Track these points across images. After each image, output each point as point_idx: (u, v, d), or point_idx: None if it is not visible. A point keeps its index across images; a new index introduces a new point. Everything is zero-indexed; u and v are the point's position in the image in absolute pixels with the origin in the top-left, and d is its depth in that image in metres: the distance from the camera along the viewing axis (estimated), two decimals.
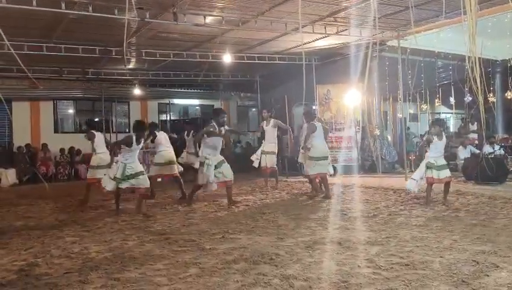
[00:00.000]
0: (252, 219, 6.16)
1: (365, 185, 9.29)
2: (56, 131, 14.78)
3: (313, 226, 5.47)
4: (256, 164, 9.50)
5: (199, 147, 7.65)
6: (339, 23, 9.59)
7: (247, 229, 5.46)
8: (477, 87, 2.51)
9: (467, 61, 2.58)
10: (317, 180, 8.05)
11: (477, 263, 3.67)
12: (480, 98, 2.57)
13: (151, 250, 4.54)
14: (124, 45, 7.71)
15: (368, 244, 4.47)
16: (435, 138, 6.67)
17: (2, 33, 1.71)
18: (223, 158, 7.21)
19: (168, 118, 17.11)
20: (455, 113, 16.72)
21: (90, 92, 14.72)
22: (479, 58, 2.56)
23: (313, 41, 10.78)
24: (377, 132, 12.12)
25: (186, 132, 10.36)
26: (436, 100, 13.77)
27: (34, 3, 6.89)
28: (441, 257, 3.90)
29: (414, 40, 8.78)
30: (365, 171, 11.92)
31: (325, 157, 7.83)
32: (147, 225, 5.97)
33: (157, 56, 11.51)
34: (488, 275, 3.37)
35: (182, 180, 8.20)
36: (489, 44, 9.54)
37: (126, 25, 5.87)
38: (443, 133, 6.84)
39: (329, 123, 12.46)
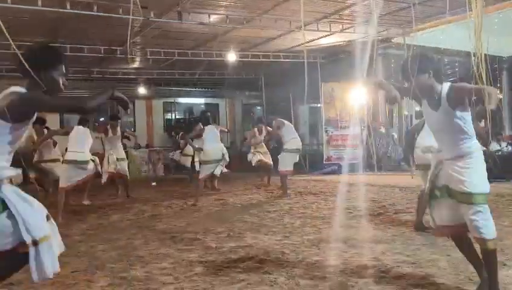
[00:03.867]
0: (258, 217, 6.16)
1: (371, 183, 9.26)
2: None
3: (319, 225, 5.46)
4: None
5: None
6: (343, 21, 9.55)
7: (252, 227, 5.47)
8: (483, 84, 2.48)
9: (472, 58, 2.55)
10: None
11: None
12: (486, 95, 2.54)
13: (156, 249, 4.56)
14: (128, 44, 7.72)
15: (374, 242, 4.45)
16: None
17: (7, 34, 1.74)
18: None
19: (174, 117, 17.16)
20: None
21: (95, 91, 14.77)
22: (485, 54, 2.53)
23: (318, 39, 10.75)
24: (382, 130, 12.06)
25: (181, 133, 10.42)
26: None
27: (39, 3, 6.93)
28: (447, 255, 3.88)
29: (421, 37, 8.73)
30: (371, 169, 11.88)
31: (216, 160, 7.71)
32: (152, 223, 5.99)
33: (162, 55, 11.53)
34: None
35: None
36: (495, 40, 9.46)
37: (130, 24, 5.88)
38: None
39: (334, 121, 12.45)
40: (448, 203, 2.86)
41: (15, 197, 2.22)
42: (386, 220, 5.60)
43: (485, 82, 2.46)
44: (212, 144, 7.66)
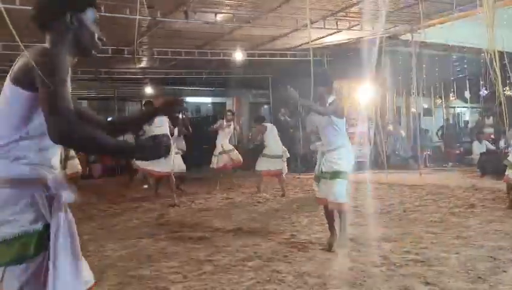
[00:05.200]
0: (266, 215, 6.16)
1: (379, 181, 9.21)
2: None
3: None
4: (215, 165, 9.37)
5: None
6: (350, 18, 9.50)
7: (260, 226, 5.47)
8: (496, 80, 2.46)
9: (485, 54, 2.53)
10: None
11: (494, 259, 3.62)
12: (501, 91, 2.51)
13: (165, 247, 4.58)
14: (135, 44, 7.75)
15: (382, 240, 4.43)
16: None
17: (16, 35, 1.69)
18: None
19: (181, 116, 17.18)
20: (470, 107, 16.48)
21: (103, 91, 14.87)
22: (498, 51, 2.50)
23: (325, 36, 10.71)
24: (390, 128, 11.99)
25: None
26: (451, 94, 13.56)
27: None
28: (457, 253, 3.86)
29: (429, 34, 8.66)
30: (379, 167, 11.81)
31: (278, 156, 8.05)
32: (161, 222, 6.02)
33: (169, 54, 11.55)
34: (505, 271, 3.32)
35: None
36: (505, 36, 9.35)
37: (137, 24, 5.89)
38: None
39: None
40: (325, 182, 4.08)
41: (63, 245, 1.44)
42: (395, 218, 5.57)
43: (499, 78, 2.44)
44: (275, 139, 8.09)
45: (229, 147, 9.39)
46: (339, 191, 3.98)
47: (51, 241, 1.39)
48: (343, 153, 4.09)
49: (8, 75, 1.50)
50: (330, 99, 4.13)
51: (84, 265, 1.58)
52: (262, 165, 8.12)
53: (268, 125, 8.19)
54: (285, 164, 8.20)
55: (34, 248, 1.37)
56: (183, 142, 8.87)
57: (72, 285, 1.43)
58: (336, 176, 4.00)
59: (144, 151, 1.49)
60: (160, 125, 7.29)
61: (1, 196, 1.39)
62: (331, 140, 4.13)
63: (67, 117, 1.35)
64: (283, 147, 8.18)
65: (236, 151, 9.53)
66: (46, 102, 1.37)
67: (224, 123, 9.33)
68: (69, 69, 1.57)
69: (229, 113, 9.56)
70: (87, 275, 1.58)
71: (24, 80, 1.44)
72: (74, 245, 1.49)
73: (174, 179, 7.56)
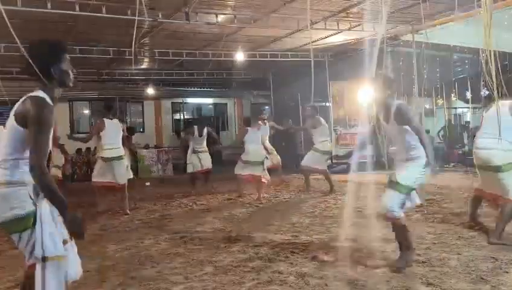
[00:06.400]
0: (266, 216, 6.16)
1: (380, 182, 9.18)
2: (72, 132, 14.98)
3: (328, 224, 5.45)
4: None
5: None
6: (351, 19, 9.50)
7: (261, 227, 5.47)
8: (492, 81, 2.46)
9: (481, 54, 2.53)
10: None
11: (496, 259, 3.61)
12: (496, 93, 2.52)
13: (166, 249, 4.58)
14: (133, 45, 7.73)
15: (384, 241, 4.43)
16: None
17: (16, 37, 1.75)
18: None
19: (182, 117, 17.24)
20: (472, 107, 16.44)
21: (104, 92, 14.91)
22: (495, 51, 2.50)
23: (326, 37, 10.71)
24: None
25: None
26: (452, 95, 13.52)
27: (49, 5, 6.99)
28: (458, 253, 3.85)
29: (430, 34, 8.66)
30: (380, 167, 11.76)
31: (258, 162, 7.76)
32: (162, 223, 6.03)
33: (170, 56, 11.57)
34: (507, 272, 3.32)
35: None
36: (505, 37, 9.34)
37: (135, 26, 5.90)
38: None
39: (343, 120, 12.39)
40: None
41: (47, 217, 2.17)
42: None
43: (494, 79, 2.44)
44: (253, 145, 7.78)
45: (268, 146, 9.03)
46: (389, 202, 3.59)
47: (37, 215, 2.16)
48: (412, 166, 3.62)
49: (12, 111, 2.20)
50: (394, 104, 3.66)
51: (62, 231, 2.25)
52: (239, 169, 7.87)
53: (249, 129, 7.88)
54: (266, 171, 7.85)
55: (32, 221, 2.16)
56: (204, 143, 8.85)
57: (53, 235, 2.17)
58: (392, 186, 3.65)
59: (69, 221, 2.22)
60: (113, 148, 6.79)
61: (9, 192, 2.17)
62: (405, 148, 3.70)
63: (41, 164, 2.09)
64: (266, 156, 7.90)
65: (275, 153, 9.42)
66: (32, 141, 2.12)
67: (261, 123, 9.25)
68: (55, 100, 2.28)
69: (264, 115, 9.45)
70: (65, 233, 2.26)
71: (22, 122, 2.16)
72: (54, 217, 2.20)
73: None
